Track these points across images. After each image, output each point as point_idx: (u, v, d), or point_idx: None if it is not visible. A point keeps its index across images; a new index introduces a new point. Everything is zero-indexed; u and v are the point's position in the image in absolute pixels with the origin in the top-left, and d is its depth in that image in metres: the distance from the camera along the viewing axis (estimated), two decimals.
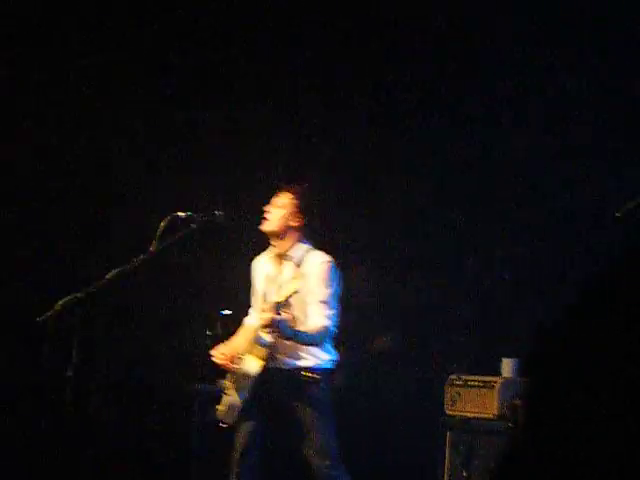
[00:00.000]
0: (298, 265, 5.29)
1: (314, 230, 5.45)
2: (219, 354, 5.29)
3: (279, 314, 5.10)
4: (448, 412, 5.82)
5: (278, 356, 5.24)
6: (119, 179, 6.95)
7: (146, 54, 7.00)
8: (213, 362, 5.29)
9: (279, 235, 5.34)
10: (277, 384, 5.23)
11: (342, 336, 7.01)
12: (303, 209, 5.36)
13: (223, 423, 5.24)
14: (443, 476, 5.74)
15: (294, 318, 5.22)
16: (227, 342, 5.38)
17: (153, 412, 6.51)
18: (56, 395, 4.95)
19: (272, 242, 5.40)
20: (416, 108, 6.97)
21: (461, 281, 6.96)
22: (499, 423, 5.52)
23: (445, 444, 5.78)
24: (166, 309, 6.78)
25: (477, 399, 5.70)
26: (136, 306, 6.74)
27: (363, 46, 6.96)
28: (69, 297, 5.00)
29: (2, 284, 6.72)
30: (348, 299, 7.09)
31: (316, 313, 5.21)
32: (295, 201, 5.34)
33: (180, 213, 5.30)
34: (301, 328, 5.20)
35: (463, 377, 5.84)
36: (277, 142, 6.98)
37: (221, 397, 5.26)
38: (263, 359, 5.18)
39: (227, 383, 5.23)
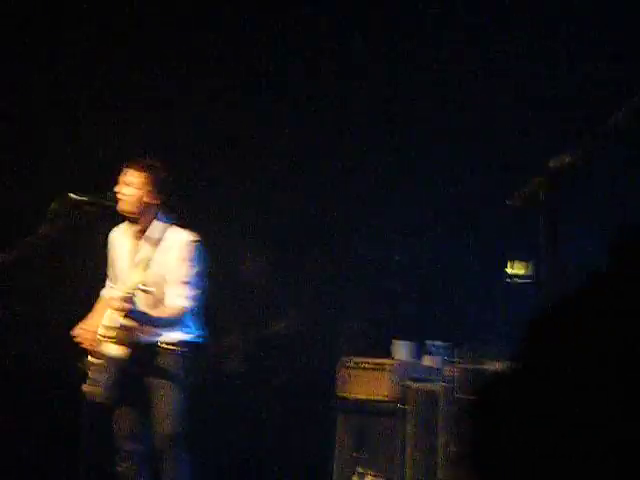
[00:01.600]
0: (156, 244, 5.25)
1: (179, 206, 5.38)
2: (80, 333, 5.21)
3: (131, 303, 5.05)
4: (340, 394, 5.88)
5: (136, 332, 5.17)
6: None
7: None
8: (75, 341, 5.22)
9: (136, 214, 5.27)
10: (136, 359, 5.18)
11: (234, 319, 7.07)
12: (157, 184, 5.26)
13: (93, 402, 5.19)
14: (336, 459, 5.80)
15: (154, 296, 5.16)
16: (87, 319, 5.29)
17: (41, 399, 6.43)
18: None
19: (130, 220, 5.32)
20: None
21: (352, 263, 7.02)
22: (390, 405, 5.59)
23: (336, 426, 5.84)
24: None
25: (369, 381, 5.76)
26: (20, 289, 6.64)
27: None
28: None
29: None
30: (239, 281, 7.15)
31: (175, 294, 5.17)
32: (148, 177, 5.25)
33: (71, 194, 5.21)
34: (158, 310, 5.17)
35: (355, 359, 5.90)
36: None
37: (87, 376, 5.20)
38: (123, 341, 5.14)
39: (91, 361, 5.18)
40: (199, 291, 5.24)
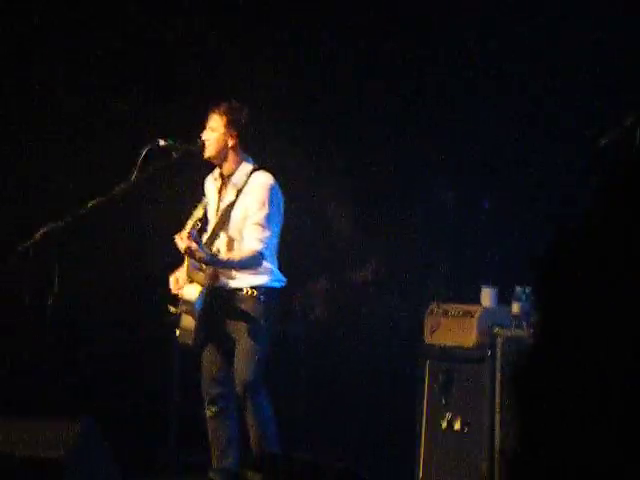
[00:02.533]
0: (239, 188, 5.25)
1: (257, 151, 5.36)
2: (174, 281, 5.27)
3: (196, 241, 5.05)
4: (427, 341, 5.85)
5: (219, 276, 5.22)
6: (96, 109, 6.87)
7: None
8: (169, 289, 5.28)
9: (220, 158, 5.28)
10: (219, 304, 5.22)
11: (318, 265, 7.08)
12: (236, 125, 5.25)
13: (184, 345, 5.26)
14: (422, 404, 5.79)
15: (230, 240, 5.20)
16: (180, 267, 5.34)
17: (135, 340, 6.52)
18: (38, 324, 4.96)
19: (217, 165, 5.34)
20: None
21: (440, 209, 6.97)
22: (478, 352, 5.55)
23: (425, 373, 5.82)
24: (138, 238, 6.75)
25: (456, 328, 5.72)
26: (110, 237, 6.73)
27: None
28: (49, 225, 5.00)
29: None
30: (322, 227, 7.15)
31: (249, 236, 5.18)
32: (225, 119, 5.25)
33: (161, 141, 5.24)
34: (232, 252, 5.18)
35: (443, 306, 5.86)
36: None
37: (177, 321, 5.26)
38: (201, 284, 5.17)
39: (181, 307, 5.23)
40: (274, 234, 5.24)
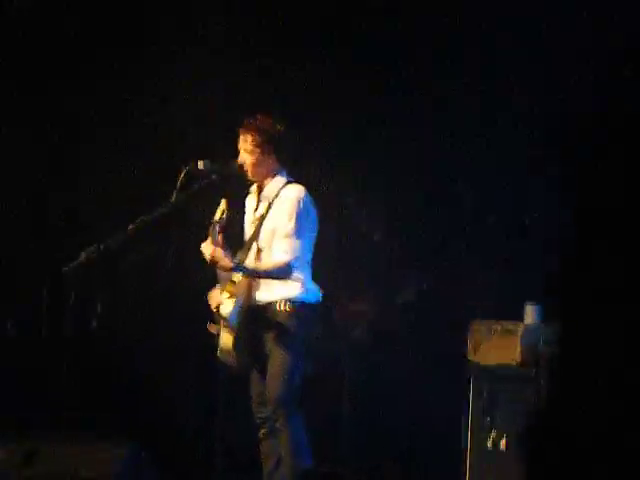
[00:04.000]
0: (270, 201, 5.26)
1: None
2: (213, 297, 5.28)
3: (219, 246, 5.07)
4: (471, 359, 5.82)
5: (252, 292, 5.19)
6: (134, 131, 6.92)
7: None
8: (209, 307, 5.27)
9: (261, 176, 5.29)
10: (254, 321, 5.19)
11: (357, 283, 7.06)
12: (268, 142, 5.24)
13: (227, 364, 5.23)
14: (467, 423, 5.75)
15: (259, 252, 5.19)
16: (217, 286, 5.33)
17: (180, 363, 6.54)
18: (80, 345, 4.99)
19: (255, 182, 5.35)
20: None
21: (485, 227, 6.93)
22: (521, 370, 5.51)
23: (469, 391, 5.78)
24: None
25: (499, 345, 5.68)
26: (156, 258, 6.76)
27: None
28: (93, 248, 5.03)
29: (29, 235, 6.75)
30: (360, 241, 7.12)
31: (277, 248, 5.18)
32: (258, 139, 5.24)
33: (199, 163, 5.26)
34: (261, 263, 5.19)
35: (485, 323, 5.82)
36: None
37: (219, 341, 5.24)
38: (234, 295, 5.16)
39: (219, 326, 5.22)
40: (304, 246, 5.22)
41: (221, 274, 5.22)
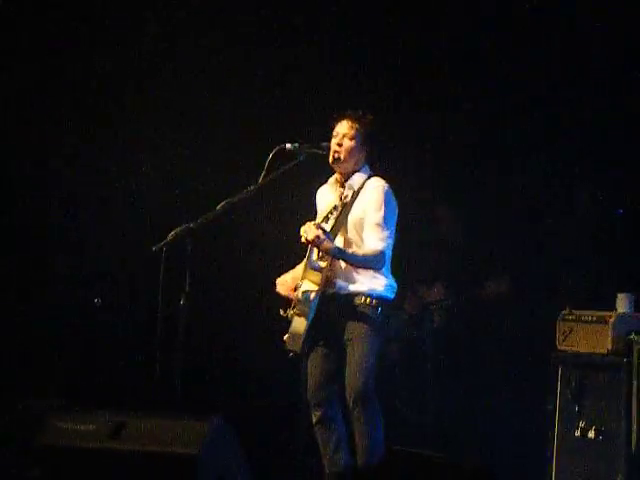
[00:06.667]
0: (357, 192, 5.27)
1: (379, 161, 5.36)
2: (281, 283, 5.30)
3: (324, 231, 5.08)
4: (560, 347, 5.73)
5: (335, 281, 5.21)
6: (225, 114, 6.99)
7: None
8: (278, 291, 5.29)
9: (348, 165, 5.32)
10: (333, 309, 5.21)
11: (443, 276, 7.03)
12: (371, 138, 5.32)
13: (291, 352, 5.23)
14: (555, 411, 5.66)
15: (347, 242, 5.21)
16: (291, 271, 5.37)
17: (260, 343, 6.57)
18: (170, 323, 5.03)
19: (337, 171, 5.37)
20: None
21: (573, 215, 6.85)
22: (613, 358, 5.40)
23: (557, 379, 5.69)
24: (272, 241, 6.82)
25: (590, 334, 5.58)
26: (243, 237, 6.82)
27: None
28: (182, 227, 5.07)
29: (119, 215, 6.86)
30: (441, 237, 7.09)
31: (370, 237, 5.20)
32: (364, 131, 5.29)
33: (287, 144, 5.29)
34: (358, 249, 5.19)
35: (576, 312, 5.73)
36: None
37: (287, 326, 5.24)
38: (318, 284, 5.16)
39: (290, 312, 5.22)
40: (392, 235, 5.24)
41: (308, 261, 5.22)
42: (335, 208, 5.24)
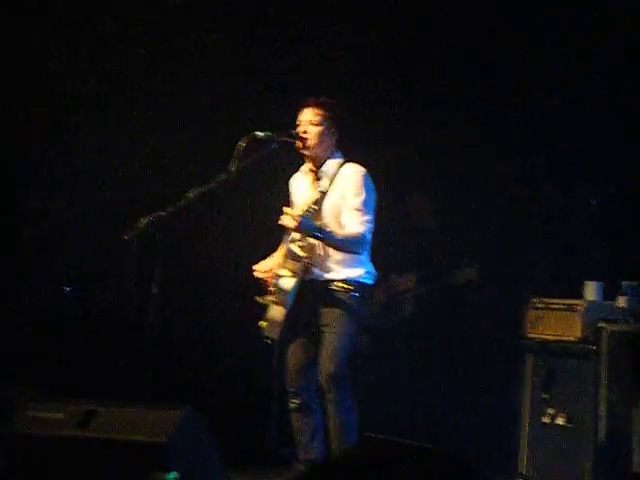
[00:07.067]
0: (331, 178, 5.26)
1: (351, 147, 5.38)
2: (260, 269, 5.29)
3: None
4: (528, 335, 5.76)
5: (313, 269, 5.23)
6: (198, 102, 6.96)
7: None
8: (255, 277, 5.28)
9: (315, 150, 5.31)
10: (311, 295, 5.21)
11: (408, 262, 7.05)
12: (337, 122, 5.31)
13: (267, 339, 5.23)
14: (524, 399, 5.71)
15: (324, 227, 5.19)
16: (268, 258, 5.37)
17: (232, 331, 6.57)
18: (140, 312, 5.01)
19: (306, 159, 5.36)
20: None
21: (541, 205, 6.88)
22: (581, 346, 5.44)
23: (525, 367, 5.73)
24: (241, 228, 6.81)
25: (559, 322, 5.62)
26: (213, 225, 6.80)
27: None
28: (152, 215, 5.04)
29: (89, 203, 6.82)
30: (414, 226, 7.11)
31: (350, 221, 5.19)
32: (328, 114, 5.29)
33: (258, 132, 5.26)
34: (339, 231, 5.17)
35: (545, 300, 5.76)
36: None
37: (264, 313, 5.25)
38: (297, 273, 5.17)
39: (268, 299, 5.23)
40: (372, 219, 5.23)
41: (287, 249, 5.22)
42: (316, 203, 5.21)
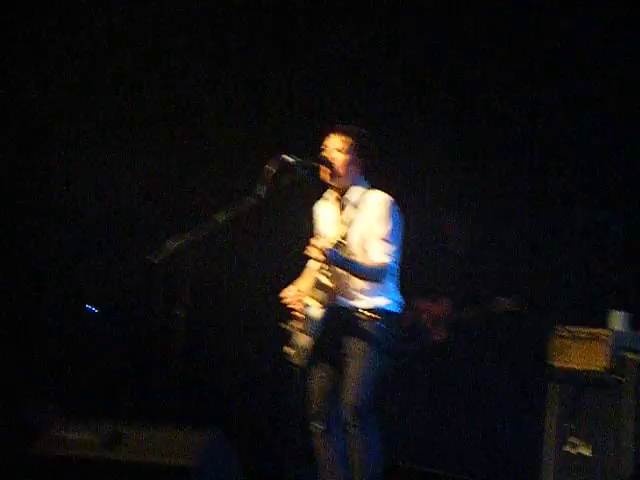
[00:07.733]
0: (356, 205, 5.23)
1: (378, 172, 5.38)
2: (287, 295, 5.27)
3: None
4: (554, 363, 5.75)
5: (339, 298, 5.19)
6: (225, 126, 7.00)
7: None
8: (283, 303, 5.26)
9: (341, 179, 5.27)
10: (337, 323, 5.16)
11: (442, 289, 7.02)
12: (362, 150, 5.26)
13: (293, 365, 5.21)
14: (549, 428, 5.68)
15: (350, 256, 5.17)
16: (294, 283, 5.34)
17: (260, 354, 6.58)
18: (168, 334, 5.03)
19: (330, 187, 5.32)
20: None
21: (568, 232, 6.86)
22: (607, 376, 5.43)
23: (551, 396, 5.72)
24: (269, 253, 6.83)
25: (583, 351, 5.61)
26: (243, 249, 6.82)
27: None
28: (181, 237, 5.04)
29: (118, 226, 6.86)
30: (445, 252, 7.10)
31: (375, 250, 5.15)
32: (355, 143, 5.25)
33: (287, 157, 5.23)
34: (362, 260, 5.14)
35: (569, 328, 5.75)
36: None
37: (290, 339, 5.24)
38: (323, 303, 5.16)
39: (294, 325, 5.22)
40: (398, 249, 5.20)
41: (314, 279, 5.22)
42: (345, 237, 5.20)
